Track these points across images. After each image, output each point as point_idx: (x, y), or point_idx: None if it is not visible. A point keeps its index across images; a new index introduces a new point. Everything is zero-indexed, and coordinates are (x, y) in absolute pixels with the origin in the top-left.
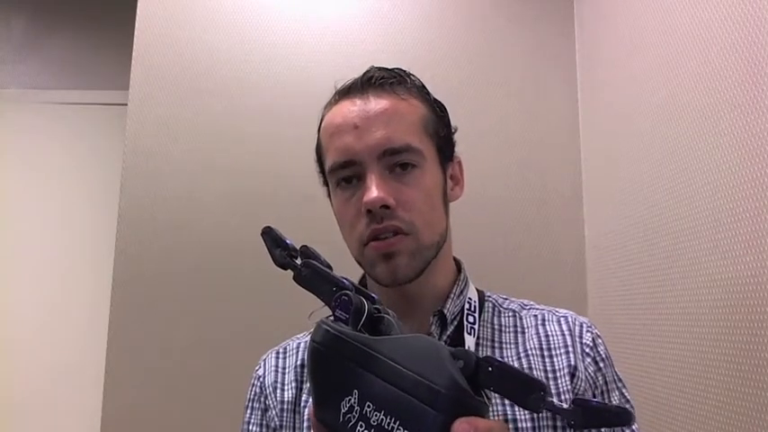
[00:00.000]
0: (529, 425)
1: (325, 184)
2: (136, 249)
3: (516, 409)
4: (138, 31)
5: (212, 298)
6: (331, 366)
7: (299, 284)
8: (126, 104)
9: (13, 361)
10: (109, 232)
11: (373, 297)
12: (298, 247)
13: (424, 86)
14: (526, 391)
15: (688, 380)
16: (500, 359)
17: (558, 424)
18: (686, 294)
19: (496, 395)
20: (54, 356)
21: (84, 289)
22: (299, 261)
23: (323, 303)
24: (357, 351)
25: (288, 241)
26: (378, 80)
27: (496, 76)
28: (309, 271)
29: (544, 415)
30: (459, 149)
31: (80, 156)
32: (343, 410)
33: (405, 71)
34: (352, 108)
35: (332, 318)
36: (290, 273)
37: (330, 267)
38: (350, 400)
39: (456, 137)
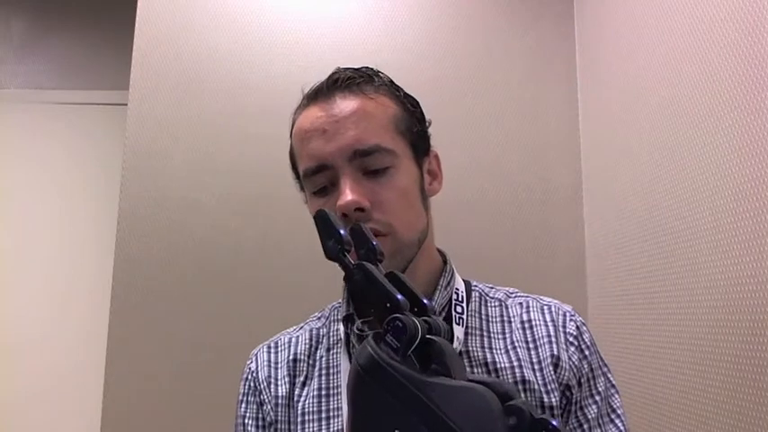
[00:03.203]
0: None
1: (302, 189)
2: (136, 249)
3: None
4: (138, 31)
5: (212, 298)
6: (373, 396)
7: (347, 285)
8: (126, 104)
9: (12, 361)
10: (109, 232)
11: (425, 305)
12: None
13: (392, 83)
14: None
15: (687, 380)
16: (555, 423)
17: None
18: (686, 294)
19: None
20: (54, 356)
21: (84, 288)
22: (352, 259)
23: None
24: (404, 390)
25: (342, 232)
26: (344, 81)
27: (496, 76)
28: (362, 275)
29: None
30: (459, 150)
31: (80, 156)
32: None
33: (372, 69)
34: (319, 113)
35: (375, 333)
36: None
37: (383, 254)
38: None
39: (456, 137)
